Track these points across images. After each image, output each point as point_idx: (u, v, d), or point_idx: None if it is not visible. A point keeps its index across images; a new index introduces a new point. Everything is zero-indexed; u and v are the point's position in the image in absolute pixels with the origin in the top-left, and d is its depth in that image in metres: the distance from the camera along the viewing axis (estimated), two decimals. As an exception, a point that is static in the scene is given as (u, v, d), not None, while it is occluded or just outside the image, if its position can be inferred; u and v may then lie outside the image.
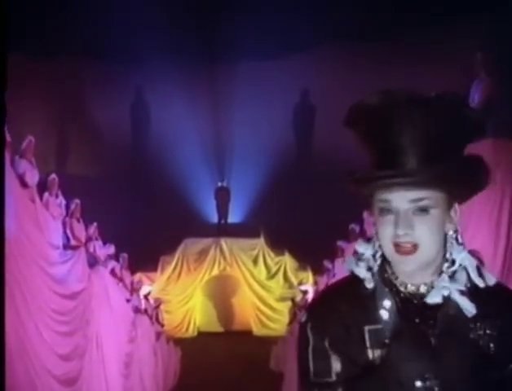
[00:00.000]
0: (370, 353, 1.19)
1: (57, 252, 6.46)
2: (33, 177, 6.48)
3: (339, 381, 1.21)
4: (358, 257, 1.26)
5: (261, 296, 15.24)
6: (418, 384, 1.15)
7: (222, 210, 16.40)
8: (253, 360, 11.62)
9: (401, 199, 1.15)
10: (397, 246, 1.15)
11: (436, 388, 1.15)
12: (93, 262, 7.76)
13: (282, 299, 14.66)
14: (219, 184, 16.71)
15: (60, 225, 7.07)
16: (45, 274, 5.93)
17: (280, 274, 15.36)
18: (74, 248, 7.15)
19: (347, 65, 16.20)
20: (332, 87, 15.82)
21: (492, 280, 1.22)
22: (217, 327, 15.46)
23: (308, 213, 15.15)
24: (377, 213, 1.19)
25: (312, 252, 12.80)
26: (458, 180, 1.16)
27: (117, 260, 10.16)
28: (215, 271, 15.42)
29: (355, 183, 1.21)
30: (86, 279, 7.05)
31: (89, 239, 8.55)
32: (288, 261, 15.37)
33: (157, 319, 11.64)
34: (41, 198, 6.95)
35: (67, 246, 7.08)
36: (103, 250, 9.02)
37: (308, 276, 14.79)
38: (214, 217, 16.72)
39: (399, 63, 15.20)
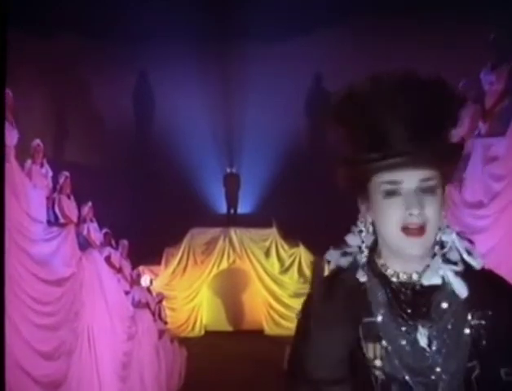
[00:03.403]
0: (364, 347, 1.21)
1: (39, 228, 5.54)
2: (11, 137, 5.48)
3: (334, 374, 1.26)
4: (344, 250, 1.29)
5: (273, 292, 14.75)
6: (411, 376, 1.17)
7: (232, 198, 15.97)
8: (264, 361, 11.06)
9: (412, 178, 1.17)
10: (406, 229, 1.17)
11: (430, 380, 1.17)
12: (85, 246, 6.86)
13: (296, 295, 14.00)
14: (228, 170, 16.31)
15: (44, 197, 6.12)
16: (22, 252, 5.03)
17: (295, 268, 14.79)
18: (61, 225, 6.14)
19: (362, 48, 15.71)
20: (347, 71, 15.08)
21: (480, 262, 1.24)
22: (225, 326, 15.00)
23: (324, 202, 14.46)
24: (382, 196, 1.20)
25: (329, 243, 11.95)
26: (457, 158, 1.23)
27: (117, 247, 9.41)
28: (224, 264, 14.93)
29: (355, 166, 1.21)
30: (76, 264, 6.35)
31: (83, 219, 7.56)
32: (302, 253, 14.74)
33: (160, 315, 11.00)
34: (23, 168, 6.00)
35: (52, 223, 6.05)
36: (98, 234, 8.04)
37: (324, 270, 14.10)
38: (222, 206, 16.25)
39: (418, 43, 14.60)
